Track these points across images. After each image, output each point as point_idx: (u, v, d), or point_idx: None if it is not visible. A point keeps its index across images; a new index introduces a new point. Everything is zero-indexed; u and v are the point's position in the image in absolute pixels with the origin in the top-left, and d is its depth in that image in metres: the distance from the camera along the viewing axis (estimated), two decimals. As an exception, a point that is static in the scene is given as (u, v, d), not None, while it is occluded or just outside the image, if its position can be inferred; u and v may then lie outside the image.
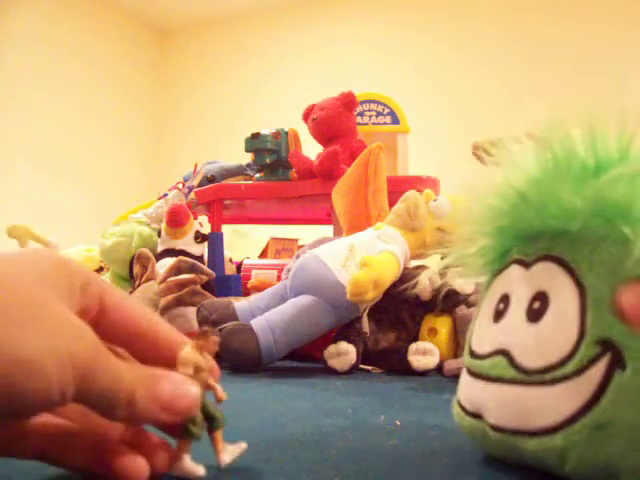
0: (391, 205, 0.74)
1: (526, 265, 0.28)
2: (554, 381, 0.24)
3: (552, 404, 0.24)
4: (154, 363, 0.23)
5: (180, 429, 0.23)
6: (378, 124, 1.19)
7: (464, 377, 0.30)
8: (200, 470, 0.24)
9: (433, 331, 0.63)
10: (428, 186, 0.90)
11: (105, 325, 0.23)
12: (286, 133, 1.09)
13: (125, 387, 0.21)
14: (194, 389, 0.23)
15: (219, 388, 0.25)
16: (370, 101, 1.19)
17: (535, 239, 0.28)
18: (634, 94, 0.25)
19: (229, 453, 0.25)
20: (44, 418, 0.24)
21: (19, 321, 0.19)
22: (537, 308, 0.26)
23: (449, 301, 0.62)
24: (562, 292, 0.25)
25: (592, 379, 0.23)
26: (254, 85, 3.50)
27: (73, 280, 0.22)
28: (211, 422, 0.24)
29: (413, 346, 0.60)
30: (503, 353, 0.26)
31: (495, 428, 0.26)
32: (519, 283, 0.28)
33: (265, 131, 1.07)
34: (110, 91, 3.43)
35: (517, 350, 0.26)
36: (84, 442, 0.24)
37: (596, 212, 0.25)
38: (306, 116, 1.08)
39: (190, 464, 0.24)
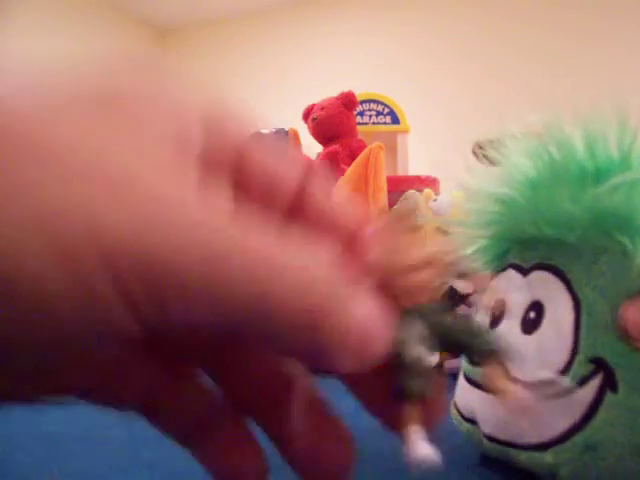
0: (391, 205, 0.74)
1: (523, 271, 0.27)
2: (546, 397, 0.23)
3: (544, 420, 0.23)
4: None
5: (392, 386, 0.14)
6: (378, 124, 1.19)
7: (461, 381, 0.29)
8: (434, 454, 0.14)
9: (433, 331, 0.63)
10: (428, 186, 0.90)
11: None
12: (286, 133, 1.09)
13: (286, 291, 0.11)
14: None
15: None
16: (370, 101, 1.19)
17: (532, 245, 0.27)
18: (635, 96, 0.24)
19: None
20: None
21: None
22: (532, 319, 0.25)
23: (449, 301, 0.62)
24: (557, 304, 0.24)
25: (584, 398, 0.23)
26: (254, 85, 3.50)
27: (186, 120, 0.13)
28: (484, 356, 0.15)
29: (413, 346, 0.59)
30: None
31: (489, 438, 0.26)
32: (515, 290, 0.27)
33: (265, 131, 1.07)
34: (110, 91, 3.43)
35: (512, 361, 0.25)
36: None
37: (594, 222, 0.24)
38: (306, 116, 1.08)
39: (422, 445, 0.14)
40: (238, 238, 0.11)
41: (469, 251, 0.31)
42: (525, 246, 0.27)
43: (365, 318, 0.12)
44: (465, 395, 0.28)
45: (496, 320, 0.28)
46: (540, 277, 0.26)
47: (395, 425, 0.15)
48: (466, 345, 0.15)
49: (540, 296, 0.25)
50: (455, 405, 0.30)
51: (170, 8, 3.54)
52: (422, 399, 0.14)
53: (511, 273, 0.28)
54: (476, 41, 2.94)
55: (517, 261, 0.28)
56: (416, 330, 0.14)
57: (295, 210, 0.14)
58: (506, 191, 0.27)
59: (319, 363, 0.13)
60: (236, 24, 3.62)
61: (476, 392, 0.27)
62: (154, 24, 3.74)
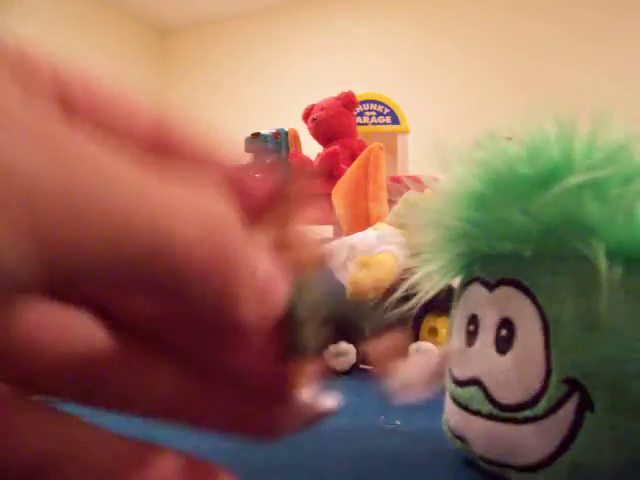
0: (391, 205, 0.74)
1: (489, 287, 0.26)
2: (527, 420, 0.23)
3: (528, 444, 0.23)
4: None
5: (280, 344, 0.13)
6: (378, 124, 1.19)
7: (448, 401, 0.29)
8: (334, 402, 0.15)
9: (433, 331, 0.63)
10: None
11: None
12: (286, 133, 1.09)
13: (174, 225, 0.10)
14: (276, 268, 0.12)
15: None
16: (370, 101, 1.20)
17: (495, 259, 0.26)
18: (599, 94, 0.24)
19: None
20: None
21: None
22: (504, 336, 0.24)
23: (449, 301, 0.62)
24: (526, 321, 0.24)
25: (563, 420, 0.22)
26: (254, 85, 3.50)
27: None
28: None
29: (413, 346, 0.60)
30: (478, 383, 0.26)
31: (482, 458, 0.26)
32: (485, 306, 0.26)
33: (265, 131, 1.07)
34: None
35: (490, 382, 0.25)
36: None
37: (547, 231, 0.23)
38: (306, 116, 1.08)
39: (321, 397, 0.15)
40: (140, 187, 0.10)
41: (434, 267, 0.30)
42: (488, 260, 0.26)
43: (267, 266, 0.12)
44: (453, 415, 0.28)
45: (471, 337, 0.27)
46: (506, 293, 0.25)
47: (285, 384, 0.14)
48: (352, 318, 0.14)
49: (509, 313, 0.24)
50: (446, 422, 0.30)
51: (170, 8, 3.54)
52: (313, 356, 0.14)
53: (478, 288, 0.27)
54: (477, 40, 2.94)
55: (483, 275, 0.26)
56: (308, 294, 0.13)
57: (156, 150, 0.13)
58: (452, 216, 0.26)
59: (222, 312, 0.11)
60: (236, 24, 3.62)
61: (462, 413, 0.27)
62: (154, 24, 3.74)
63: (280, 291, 0.12)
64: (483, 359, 0.26)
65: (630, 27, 2.64)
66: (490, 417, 0.24)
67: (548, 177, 0.23)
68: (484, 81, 2.90)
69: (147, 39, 3.77)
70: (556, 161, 0.23)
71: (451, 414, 0.28)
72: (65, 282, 0.10)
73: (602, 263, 0.21)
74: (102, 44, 3.41)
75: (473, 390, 0.26)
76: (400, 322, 0.65)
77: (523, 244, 0.24)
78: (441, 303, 0.62)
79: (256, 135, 1.07)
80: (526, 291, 0.24)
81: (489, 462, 0.25)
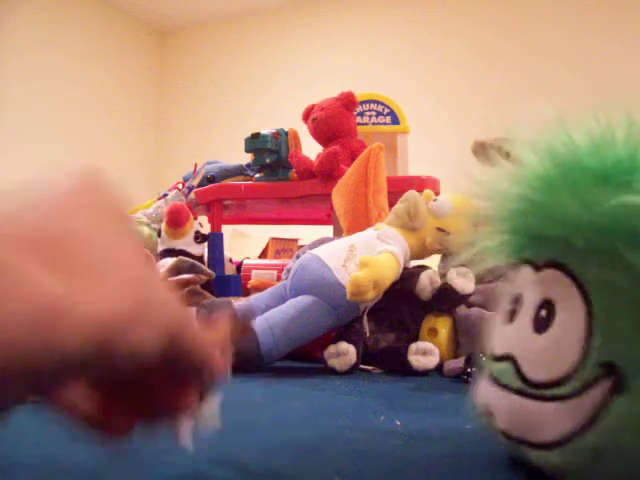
0: (391, 205, 0.74)
1: (536, 268, 0.27)
2: (553, 398, 0.24)
3: (550, 420, 0.24)
4: None
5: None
6: (378, 124, 1.19)
7: (483, 376, 0.30)
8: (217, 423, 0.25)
9: (433, 331, 0.63)
10: (428, 186, 0.90)
11: None
12: (286, 133, 1.09)
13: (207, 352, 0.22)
14: None
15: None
16: (370, 101, 1.19)
17: (547, 241, 0.27)
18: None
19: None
20: None
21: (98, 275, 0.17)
22: (543, 317, 0.25)
23: (448, 301, 0.62)
24: (569, 305, 0.24)
25: (591, 401, 0.23)
26: (254, 85, 3.50)
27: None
28: None
29: (413, 346, 0.60)
30: (510, 359, 0.26)
31: (504, 434, 0.26)
32: (529, 286, 0.27)
33: (265, 131, 1.07)
34: (111, 91, 3.43)
35: (522, 359, 0.26)
36: None
37: (604, 231, 0.23)
38: (306, 116, 1.08)
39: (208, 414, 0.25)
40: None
41: (490, 245, 0.31)
42: (540, 242, 0.27)
43: (219, 358, 0.24)
44: (483, 391, 0.29)
45: (512, 315, 0.28)
46: (552, 275, 0.26)
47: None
48: None
49: (552, 295, 0.25)
50: (475, 397, 0.30)
51: (170, 8, 3.55)
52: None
53: (526, 269, 0.28)
54: (479, 39, 2.94)
55: (532, 257, 0.28)
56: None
57: None
58: (518, 190, 0.27)
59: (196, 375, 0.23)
60: (236, 24, 3.62)
61: (493, 387, 0.27)
62: (154, 24, 3.74)
63: (223, 369, 0.24)
64: (519, 337, 0.26)
65: (637, 22, 2.64)
66: (518, 392, 0.25)
67: (611, 174, 0.23)
68: (485, 81, 2.90)
69: (147, 39, 3.77)
70: (621, 160, 0.24)
71: (481, 389, 0.29)
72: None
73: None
74: (102, 44, 3.41)
75: (505, 365, 0.26)
76: (400, 322, 0.65)
77: (574, 232, 0.24)
78: (440, 304, 0.62)
79: (256, 135, 1.07)
80: (573, 277, 0.25)
81: (509, 438, 0.26)
